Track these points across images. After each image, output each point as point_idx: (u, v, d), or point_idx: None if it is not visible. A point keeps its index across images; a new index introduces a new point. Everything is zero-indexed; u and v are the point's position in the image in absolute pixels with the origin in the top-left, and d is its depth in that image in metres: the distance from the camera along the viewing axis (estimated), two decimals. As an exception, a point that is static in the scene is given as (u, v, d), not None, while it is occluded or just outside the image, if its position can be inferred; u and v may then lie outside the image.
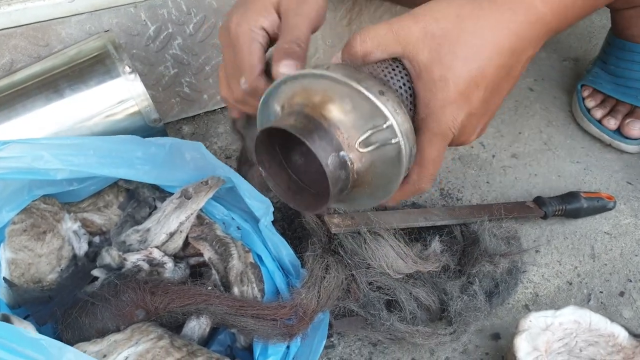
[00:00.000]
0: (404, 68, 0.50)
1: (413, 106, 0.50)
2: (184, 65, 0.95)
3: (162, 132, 0.79)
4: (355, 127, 0.46)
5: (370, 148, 0.47)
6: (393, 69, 0.50)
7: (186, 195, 0.71)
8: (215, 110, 1.03)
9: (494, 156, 0.98)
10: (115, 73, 0.75)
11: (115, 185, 0.79)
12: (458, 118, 0.49)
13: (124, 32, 0.86)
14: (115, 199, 0.78)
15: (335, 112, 0.46)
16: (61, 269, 0.70)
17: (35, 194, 0.71)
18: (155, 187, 0.79)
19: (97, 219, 0.76)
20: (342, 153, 0.46)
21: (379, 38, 0.49)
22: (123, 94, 0.75)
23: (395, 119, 0.45)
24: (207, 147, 0.94)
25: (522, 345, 0.66)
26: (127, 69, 0.75)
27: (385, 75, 0.49)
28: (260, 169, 0.52)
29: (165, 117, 0.99)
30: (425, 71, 0.48)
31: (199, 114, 1.02)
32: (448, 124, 0.49)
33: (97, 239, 0.75)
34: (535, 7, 0.49)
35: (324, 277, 0.68)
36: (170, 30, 0.90)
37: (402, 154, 0.46)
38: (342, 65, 0.48)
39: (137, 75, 0.75)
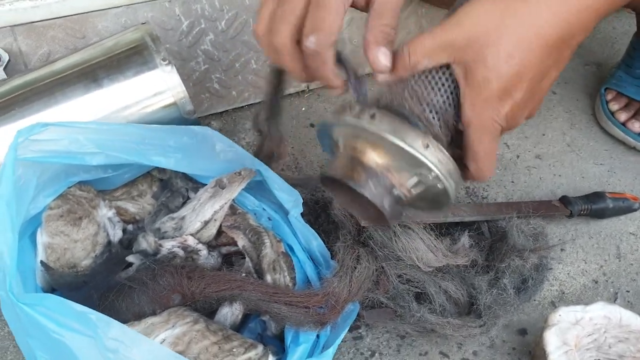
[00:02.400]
0: (450, 72, 0.52)
1: (457, 108, 0.53)
2: (215, 62, 0.96)
3: (196, 124, 0.80)
4: (405, 172, 0.51)
5: (419, 189, 0.53)
6: (439, 76, 0.53)
7: (220, 185, 0.72)
8: (243, 107, 1.04)
9: (518, 156, 0.99)
10: (152, 64, 0.76)
11: (149, 175, 0.80)
12: (502, 112, 0.51)
13: (158, 26, 0.88)
14: (148, 189, 0.79)
15: (387, 159, 0.51)
16: (96, 255, 0.71)
17: (71, 181, 0.73)
18: (188, 178, 0.80)
19: (131, 207, 0.77)
20: (395, 191, 0.52)
21: (426, 49, 0.51)
22: (159, 85, 0.76)
23: (439, 169, 0.50)
24: (235, 142, 0.96)
25: (551, 339, 0.67)
26: (164, 60, 0.76)
27: (431, 82, 0.53)
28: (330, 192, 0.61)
29: (195, 112, 1.00)
30: (470, 74, 0.50)
31: (227, 110, 1.04)
32: (493, 120, 0.52)
33: (130, 227, 0.77)
34: None
35: (355, 268, 0.68)
36: (202, 26, 0.91)
37: (449, 192, 0.52)
38: (387, 115, 0.50)
39: (174, 67, 0.76)
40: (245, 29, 0.95)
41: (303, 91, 1.09)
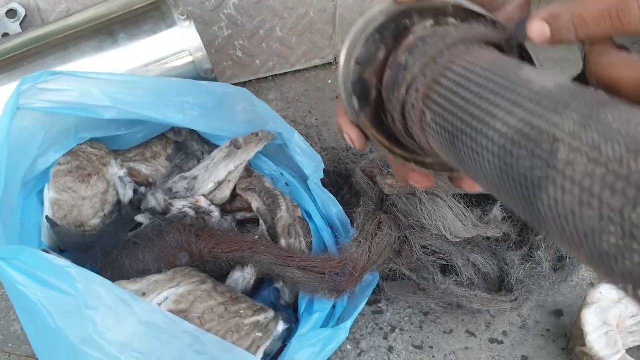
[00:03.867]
0: None
1: None
2: (238, 27, 0.92)
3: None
4: None
5: None
6: None
7: (236, 145, 0.68)
8: (267, 77, 1.01)
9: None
10: (170, 20, 0.73)
11: (164, 136, 0.77)
12: None
13: (179, -13, 0.85)
14: (163, 151, 0.76)
15: None
16: (104, 214, 0.68)
17: (82, 137, 0.70)
18: (204, 141, 0.77)
19: (144, 169, 0.74)
20: None
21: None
22: (177, 42, 0.73)
23: None
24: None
25: (590, 318, 0.61)
26: (182, 15, 0.73)
27: None
28: None
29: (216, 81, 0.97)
30: None
31: (250, 81, 1.00)
32: None
33: (143, 189, 0.73)
34: None
35: (376, 234, 0.64)
36: (226, -11, 0.88)
37: None
38: None
39: (192, 22, 0.73)
40: (271, -6, 0.91)
41: (330, 63, 1.04)
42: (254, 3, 0.91)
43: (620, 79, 0.33)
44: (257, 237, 0.63)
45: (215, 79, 0.76)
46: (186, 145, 0.75)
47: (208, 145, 0.76)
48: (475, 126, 0.33)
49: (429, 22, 0.42)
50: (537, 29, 0.37)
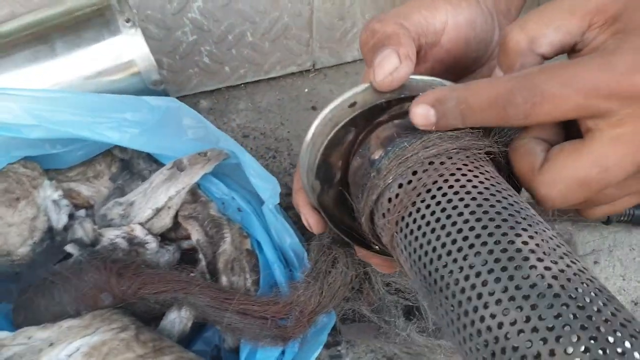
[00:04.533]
0: None
1: None
2: (204, 32, 0.85)
3: (164, 96, 0.69)
4: None
5: None
6: None
7: (179, 167, 0.61)
8: (238, 85, 0.93)
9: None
10: (114, 27, 0.66)
11: (110, 153, 0.70)
12: None
13: (136, -12, 0.78)
14: (107, 169, 0.69)
15: None
16: (34, 242, 0.61)
17: (14, 156, 0.63)
18: (152, 159, 0.70)
19: (85, 190, 0.67)
20: None
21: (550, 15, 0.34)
22: (121, 51, 0.66)
23: None
24: (224, 124, 0.86)
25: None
26: (128, 22, 0.66)
27: None
28: None
29: (182, 89, 0.90)
30: (617, 21, 0.32)
31: (220, 88, 0.93)
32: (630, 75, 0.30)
33: (82, 212, 0.67)
34: None
35: (329, 272, 0.56)
36: (188, -10, 0.81)
37: None
38: None
39: (139, 29, 0.66)
40: (239, -4, 0.84)
41: (307, 70, 0.97)
42: (221, 6, 0.84)
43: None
44: (193, 274, 0.56)
45: (165, 92, 0.70)
46: (132, 164, 0.69)
47: (157, 164, 0.69)
48: (452, 303, 0.29)
49: (407, 103, 0.36)
50: (421, 114, 0.33)
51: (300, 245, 0.61)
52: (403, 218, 0.34)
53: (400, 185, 0.34)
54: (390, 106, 0.39)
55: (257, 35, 0.89)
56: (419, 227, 0.33)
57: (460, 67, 0.42)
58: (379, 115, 0.39)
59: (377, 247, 0.43)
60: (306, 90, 0.94)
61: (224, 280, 0.57)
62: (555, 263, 0.28)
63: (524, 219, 0.30)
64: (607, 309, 0.26)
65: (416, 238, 0.33)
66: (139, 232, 0.59)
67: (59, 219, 0.63)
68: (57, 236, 0.63)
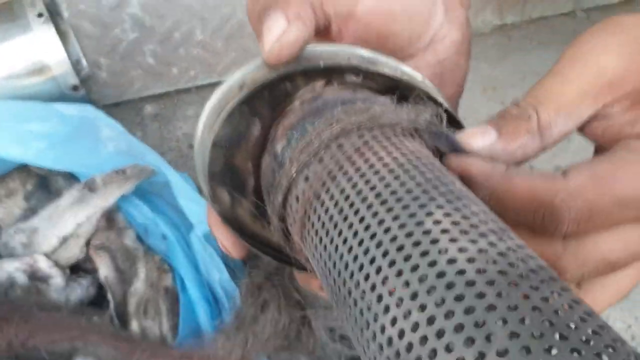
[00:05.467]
0: None
1: None
2: (147, 29, 0.77)
3: (84, 102, 0.61)
4: None
5: None
6: None
7: (91, 187, 0.53)
8: (189, 88, 0.85)
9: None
10: (23, 21, 0.57)
11: (26, 169, 0.61)
12: None
13: (66, -20, 0.69)
14: (21, 187, 0.61)
15: None
16: None
17: None
18: (74, 177, 0.61)
19: (-7, 210, 0.59)
20: None
21: (557, 100, 0.28)
22: (32, 50, 0.57)
23: None
24: (169, 132, 0.77)
25: None
26: (40, 16, 0.57)
27: None
28: None
29: (125, 93, 0.82)
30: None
31: (168, 92, 0.84)
32: None
33: (-11, 237, 0.58)
34: None
35: (257, 319, 0.48)
36: (126, -17, 0.72)
37: None
38: None
39: (52, 26, 0.57)
40: (185, -10, 0.75)
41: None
42: (165, 1, 0.75)
43: None
44: (96, 317, 0.47)
45: (84, 98, 0.61)
46: (49, 181, 0.60)
47: (78, 181, 0.60)
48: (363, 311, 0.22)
49: (319, 83, 0.30)
50: None
51: (231, 281, 0.53)
52: (309, 217, 0.27)
53: (307, 179, 0.27)
54: (298, 88, 0.30)
55: (208, 33, 0.80)
56: (323, 225, 0.26)
57: (389, 48, 0.33)
58: (285, 102, 0.31)
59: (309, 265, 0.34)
60: (264, 94, 0.86)
61: (134, 325, 0.48)
62: (475, 242, 0.20)
63: (442, 194, 0.23)
64: (541, 292, 0.18)
65: (320, 239, 0.26)
66: (43, 263, 0.51)
67: (-44, 246, 0.55)
68: (-47, 265, 0.55)
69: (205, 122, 0.30)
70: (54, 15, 0.68)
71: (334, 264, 0.24)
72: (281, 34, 0.26)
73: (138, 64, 0.79)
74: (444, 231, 0.21)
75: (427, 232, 0.21)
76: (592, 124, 0.28)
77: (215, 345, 0.46)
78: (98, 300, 0.54)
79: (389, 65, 0.29)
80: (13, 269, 0.50)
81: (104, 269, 0.51)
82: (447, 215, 0.22)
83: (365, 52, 0.29)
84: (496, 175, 0.25)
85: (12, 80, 0.57)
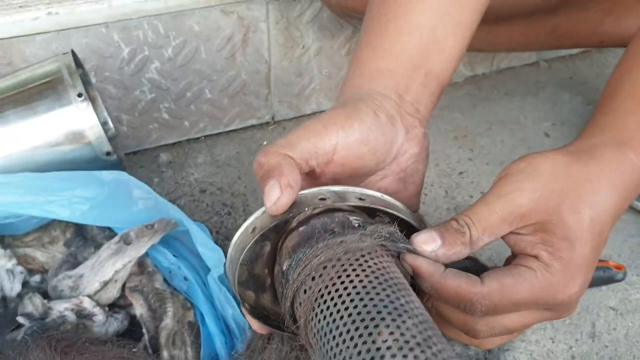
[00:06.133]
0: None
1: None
2: (163, 90, 0.88)
3: (117, 165, 0.73)
4: None
5: None
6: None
7: (126, 241, 0.64)
8: (198, 138, 0.97)
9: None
10: (66, 100, 0.69)
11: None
12: (574, 289, 0.41)
13: (94, 53, 0.81)
14: (62, 235, 0.72)
15: None
16: (-13, 311, 0.64)
17: (-32, 227, 0.66)
18: (106, 226, 0.73)
19: (40, 255, 0.70)
20: None
21: (489, 224, 0.41)
22: (73, 124, 0.69)
23: None
24: (182, 178, 0.89)
25: None
26: (80, 96, 0.69)
27: None
28: None
29: (143, 143, 0.93)
30: (548, 230, 0.41)
31: (180, 141, 0.96)
32: (561, 289, 0.41)
33: (37, 278, 0.69)
34: (634, 163, 0.43)
35: (265, 347, 0.59)
36: (146, 53, 0.84)
37: None
38: None
39: (90, 103, 0.69)
40: (196, 57, 0.87)
41: (267, 123, 1.00)
42: (179, 66, 0.87)
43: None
44: (135, 349, 0.59)
45: (117, 162, 0.73)
46: (85, 230, 0.71)
47: (110, 230, 0.72)
48: None
49: (309, 210, 0.41)
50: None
51: (242, 316, 0.64)
52: (307, 324, 0.39)
53: (305, 291, 0.39)
54: (294, 216, 0.43)
55: (216, 92, 0.92)
56: (317, 332, 0.37)
57: (361, 174, 0.46)
58: (286, 226, 0.44)
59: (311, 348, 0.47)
60: (265, 142, 0.98)
61: (165, 354, 0.60)
62: (411, 352, 0.32)
63: (390, 313, 0.34)
64: None
65: (317, 344, 0.38)
66: (87, 304, 0.62)
67: (13, 287, 0.66)
68: (10, 303, 0.66)
69: (232, 254, 0.43)
70: (85, 84, 0.80)
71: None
72: (276, 200, 0.38)
73: (155, 119, 0.91)
74: (388, 348, 0.32)
75: (378, 349, 0.32)
76: (508, 237, 0.42)
77: (230, 371, 0.57)
78: (131, 331, 0.66)
79: (355, 194, 0.41)
80: (63, 308, 0.62)
81: (139, 309, 0.62)
82: (392, 333, 0.33)
83: (337, 188, 0.41)
84: (436, 275, 0.39)
85: (55, 147, 0.69)
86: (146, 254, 0.68)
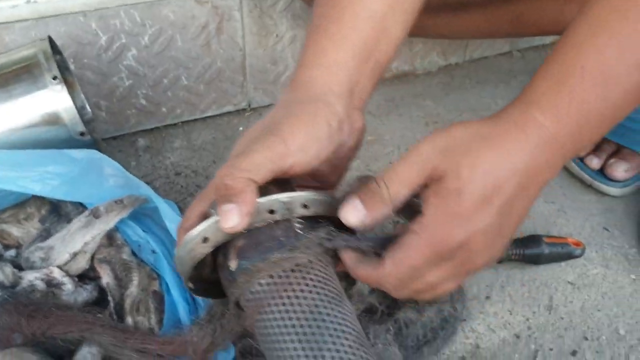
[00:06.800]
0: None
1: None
2: (140, 77, 0.92)
3: (91, 146, 0.76)
4: None
5: None
6: None
7: (95, 214, 0.68)
8: (175, 124, 1.00)
9: (460, 190, 0.91)
10: (41, 83, 0.72)
11: (40, 197, 0.76)
12: (459, 235, 0.44)
13: (73, 40, 0.84)
14: (37, 212, 0.75)
15: None
16: (-38, 282, 0.67)
17: (-55, 202, 0.69)
18: (80, 203, 0.76)
19: (15, 231, 0.73)
20: None
21: (402, 176, 0.46)
22: (48, 105, 0.72)
23: None
24: (159, 162, 0.92)
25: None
26: (55, 79, 0.72)
27: None
28: None
29: (121, 128, 0.97)
30: (441, 182, 0.44)
31: (158, 127, 0.99)
32: (445, 238, 0.45)
33: (12, 252, 0.73)
34: (546, 128, 0.45)
35: (224, 313, 0.62)
36: (123, 41, 0.87)
37: None
38: None
39: (64, 86, 0.72)
40: (172, 45, 0.90)
41: (244, 109, 1.03)
42: (155, 54, 0.90)
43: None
44: (100, 314, 0.62)
45: (91, 142, 0.76)
46: (60, 207, 0.75)
47: (83, 207, 0.75)
48: None
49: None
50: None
51: (205, 285, 0.68)
52: (252, 325, 0.47)
53: (251, 292, 0.46)
54: None
55: (192, 79, 0.95)
56: (263, 337, 0.47)
57: (318, 177, 0.53)
58: None
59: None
60: (241, 129, 1.01)
61: (129, 320, 0.63)
62: None
63: (331, 335, 0.43)
64: None
65: (264, 346, 0.47)
66: (57, 274, 0.65)
67: (-12, 261, 0.69)
68: (-14, 276, 0.69)
69: (183, 256, 0.48)
70: (63, 69, 0.83)
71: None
72: (234, 225, 0.43)
73: (132, 105, 0.94)
74: None
75: None
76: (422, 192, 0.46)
77: (190, 333, 0.60)
78: (100, 301, 0.69)
79: (301, 201, 0.46)
80: (33, 278, 0.65)
81: (106, 277, 0.65)
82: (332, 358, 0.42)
83: (285, 198, 0.46)
84: (353, 268, 0.45)
85: (31, 128, 0.72)
86: (116, 228, 0.71)
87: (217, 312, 0.62)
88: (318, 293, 0.44)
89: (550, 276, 0.80)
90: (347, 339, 0.42)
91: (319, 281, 0.45)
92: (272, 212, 0.45)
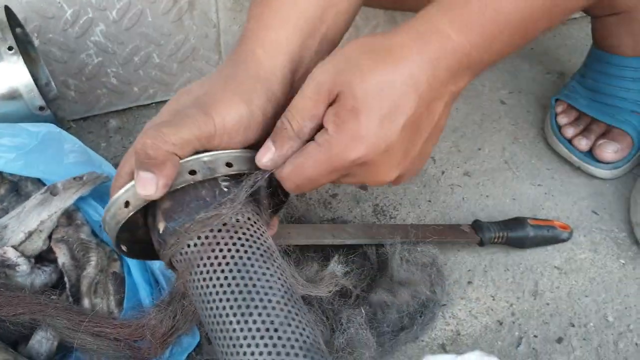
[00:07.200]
0: None
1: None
2: (109, 54, 0.88)
3: (51, 121, 0.72)
4: None
5: None
6: None
7: (52, 192, 0.64)
8: (149, 104, 0.96)
9: (443, 172, 0.88)
10: (-4, 54, 0.68)
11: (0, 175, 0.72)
12: (355, 153, 0.43)
13: (36, 13, 0.80)
14: (-5, 191, 0.71)
15: None
16: None
17: None
18: (42, 182, 0.72)
19: (-29, 211, 0.69)
20: None
21: (304, 109, 0.45)
22: (3, 77, 0.68)
23: None
24: (130, 143, 0.88)
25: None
26: (10, 49, 0.68)
27: None
28: None
29: (92, 109, 0.93)
30: (338, 102, 0.43)
31: (130, 108, 0.95)
32: (341, 154, 0.43)
33: (-32, 234, 0.69)
34: (449, 36, 0.43)
35: (186, 295, 0.59)
36: (90, 15, 0.83)
37: None
38: None
39: (20, 57, 0.68)
40: (142, 20, 0.86)
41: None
42: (125, 30, 0.86)
43: None
44: (54, 296, 0.58)
45: (51, 117, 0.72)
46: (19, 186, 0.71)
47: (43, 184, 0.71)
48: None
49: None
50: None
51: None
52: (185, 284, 0.45)
53: (182, 254, 0.44)
54: None
55: (164, 57, 0.91)
56: (195, 295, 0.45)
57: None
58: None
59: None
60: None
61: (86, 302, 0.59)
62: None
63: (258, 292, 0.42)
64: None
65: (197, 305, 0.45)
66: (11, 254, 0.61)
67: (-60, 241, 0.65)
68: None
69: (108, 222, 0.46)
70: (25, 44, 0.79)
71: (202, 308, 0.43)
72: (150, 194, 0.41)
73: (103, 83, 0.90)
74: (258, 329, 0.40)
75: (249, 329, 0.41)
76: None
77: (149, 316, 0.56)
78: (59, 284, 0.65)
79: (223, 160, 0.45)
80: (-14, 258, 0.61)
81: (62, 257, 0.62)
82: (259, 315, 0.41)
83: (207, 157, 0.44)
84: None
85: (-13, 102, 0.68)
86: (77, 207, 0.67)
87: (178, 294, 0.58)
88: (246, 251, 0.42)
89: (536, 260, 0.77)
90: (275, 295, 0.41)
91: (247, 239, 0.43)
92: (193, 172, 0.43)
